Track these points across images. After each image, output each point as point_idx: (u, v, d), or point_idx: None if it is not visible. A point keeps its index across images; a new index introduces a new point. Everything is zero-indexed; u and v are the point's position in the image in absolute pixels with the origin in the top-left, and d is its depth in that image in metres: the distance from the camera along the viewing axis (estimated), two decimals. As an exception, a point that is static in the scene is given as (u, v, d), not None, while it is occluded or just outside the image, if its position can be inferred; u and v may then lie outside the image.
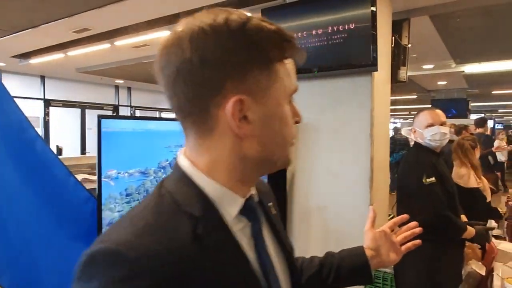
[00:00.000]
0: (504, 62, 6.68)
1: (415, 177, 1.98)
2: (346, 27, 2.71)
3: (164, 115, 12.20)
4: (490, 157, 5.33)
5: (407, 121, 24.06)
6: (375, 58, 2.63)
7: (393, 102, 12.39)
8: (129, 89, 11.92)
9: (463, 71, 7.23)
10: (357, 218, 2.89)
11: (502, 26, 4.66)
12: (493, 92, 11.03)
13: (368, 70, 2.72)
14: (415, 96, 11.63)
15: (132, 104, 11.99)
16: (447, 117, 7.71)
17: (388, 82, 3.19)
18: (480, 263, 2.40)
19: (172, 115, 0.68)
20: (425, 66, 7.15)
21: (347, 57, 2.77)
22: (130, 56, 6.58)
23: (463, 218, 2.18)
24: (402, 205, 2.13)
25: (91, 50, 5.75)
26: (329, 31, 2.78)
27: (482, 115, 12.97)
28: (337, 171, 3.00)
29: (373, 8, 2.60)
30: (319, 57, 2.90)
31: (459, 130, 5.55)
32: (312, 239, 3.15)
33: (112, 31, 4.94)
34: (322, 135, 3.06)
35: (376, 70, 2.68)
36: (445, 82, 9.25)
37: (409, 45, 3.31)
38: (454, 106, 9.88)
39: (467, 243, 2.48)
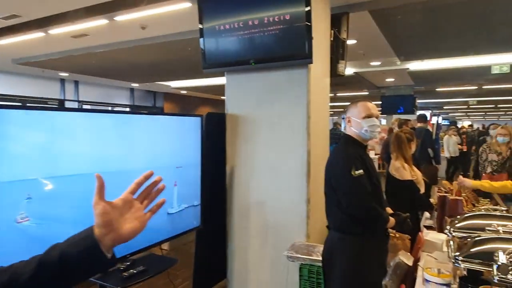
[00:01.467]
0: (446, 59, 7.01)
1: (344, 169, 1.96)
2: (282, 18, 2.66)
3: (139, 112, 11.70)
4: (430, 150, 5.56)
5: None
6: (310, 51, 2.60)
7: (345, 99, 12.73)
8: (76, 82, 11.28)
9: (408, 68, 7.51)
10: (295, 212, 2.86)
11: (442, 24, 4.84)
12: (437, 89, 11.61)
13: (303, 62, 2.69)
14: (367, 93, 11.99)
15: (80, 99, 11.37)
16: (396, 113, 7.97)
17: (327, 75, 3.18)
18: (408, 253, 2.44)
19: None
20: (372, 63, 7.35)
21: (283, 49, 2.72)
22: (71, 47, 6.19)
23: (389, 210, 2.20)
24: (329, 197, 2.11)
25: (24, 39, 5.33)
26: (265, 21, 2.71)
27: (429, 111, 13.64)
28: (275, 165, 2.96)
29: (307, -1, 2.56)
30: (256, 49, 2.83)
31: (400, 124, 5.75)
32: (252, 234, 3.09)
33: (45, 18, 4.60)
34: (260, 129, 3.00)
35: (311, 63, 2.65)
36: (393, 79, 9.58)
37: (347, 39, 3.32)
38: (401, 103, 10.27)
39: (398, 234, 2.52)
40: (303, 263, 2.52)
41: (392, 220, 2.04)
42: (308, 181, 2.81)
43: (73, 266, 0.72)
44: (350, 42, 5.45)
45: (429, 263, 1.98)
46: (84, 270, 0.74)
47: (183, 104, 14.80)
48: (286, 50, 2.71)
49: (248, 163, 3.08)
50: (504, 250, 1.31)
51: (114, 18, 4.40)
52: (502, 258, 1.26)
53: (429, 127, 6.78)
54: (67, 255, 0.72)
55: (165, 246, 4.70)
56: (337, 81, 8.88)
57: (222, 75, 3.19)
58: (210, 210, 2.97)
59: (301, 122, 2.81)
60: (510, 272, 1.22)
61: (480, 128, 13.33)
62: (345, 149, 2.09)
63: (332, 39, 3.18)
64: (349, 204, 1.99)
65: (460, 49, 6.13)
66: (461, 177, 3.25)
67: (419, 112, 8.82)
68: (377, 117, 2.08)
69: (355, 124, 2.09)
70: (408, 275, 2.28)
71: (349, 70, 7.90)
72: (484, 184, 2.96)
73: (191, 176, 2.66)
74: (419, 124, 6.11)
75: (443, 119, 24.44)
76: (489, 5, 4.09)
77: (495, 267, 1.25)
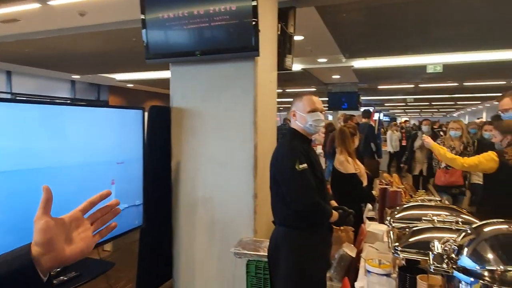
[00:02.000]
0: (387, 58, 7.36)
1: (289, 163, 1.95)
2: (228, 8, 2.58)
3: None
4: (372, 145, 5.83)
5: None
6: (257, 43, 2.56)
7: (294, 95, 12.99)
8: (8, 73, 10.33)
9: (353, 66, 7.79)
10: (242, 208, 2.82)
11: (383, 23, 5.06)
12: (379, 87, 12.24)
13: (250, 55, 2.64)
14: (314, 89, 12.31)
15: (13, 91, 10.42)
16: (341, 109, 8.25)
17: (274, 69, 3.17)
18: (352, 245, 2.51)
19: None
20: (319, 60, 7.52)
21: (230, 41, 2.65)
22: (0, 33, 5.62)
23: (333, 203, 2.24)
24: (274, 191, 2.09)
25: None
26: (211, 11, 2.62)
27: (372, 108, 14.35)
28: (223, 160, 2.89)
29: (253, -10, 2.51)
30: (202, 40, 2.73)
31: (345, 119, 5.96)
32: (199, 231, 3.01)
33: (-35, -1, 4.11)
34: (207, 122, 2.91)
35: (258, 55, 2.61)
36: (338, 76, 9.91)
37: (294, 34, 3.32)
38: (346, 99, 10.68)
39: (342, 227, 2.57)
40: (250, 259, 2.49)
41: (335, 214, 2.06)
42: (255, 175, 2.78)
43: (6, 285, 0.62)
44: (297, 38, 5.53)
45: (371, 254, 2.03)
46: None
47: (130, 98, 14.17)
48: (233, 42, 2.64)
49: (194, 158, 2.98)
50: (439, 239, 1.36)
51: (48, 3, 4.05)
52: (437, 247, 1.30)
53: (372, 123, 7.12)
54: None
55: (108, 247, 4.45)
56: (286, 76, 9.02)
57: (167, 67, 3.05)
58: (155, 208, 2.84)
59: (249, 116, 2.77)
60: (445, 261, 1.27)
61: (417, 124, 14.29)
62: (290, 143, 2.07)
63: (279, 33, 3.16)
64: (293, 199, 1.98)
65: (399, 48, 6.46)
66: (424, 136, 3.56)
67: (363, 109, 9.24)
68: (321, 112, 2.09)
69: (300, 118, 2.08)
70: (352, 266, 2.33)
71: (297, 66, 8.03)
72: (440, 150, 3.09)
73: (133, 172, 2.51)
74: (363, 120, 6.38)
75: (384, 115, 25.90)
76: (423, 6, 4.31)
77: (431, 256, 1.29)
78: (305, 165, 1.95)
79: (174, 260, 3.12)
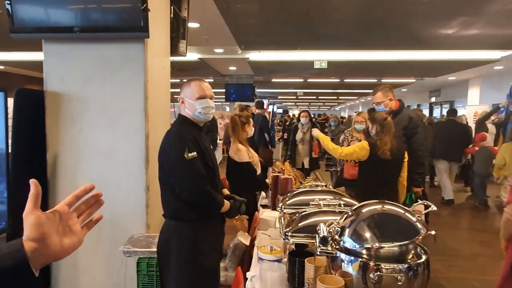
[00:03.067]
0: (279, 52, 7.70)
1: (177, 152, 1.86)
2: (113, -18, 2.33)
3: None
4: (266, 135, 6.07)
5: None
6: (146, 23, 2.36)
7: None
8: None
9: (248, 58, 7.95)
10: (133, 202, 2.62)
11: (274, 17, 5.23)
12: (273, 80, 12.80)
13: (139, 36, 2.43)
14: (212, 80, 12.27)
15: None
16: (237, 100, 8.35)
17: (167, 54, 3.00)
18: (246, 233, 2.54)
19: None
20: (216, 50, 7.47)
21: (116, 19, 2.40)
22: None
23: (225, 191, 2.23)
24: (163, 182, 1.98)
25: None
26: (93, -16, 2.33)
27: (266, 100, 14.97)
28: (109, 151, 2.63)
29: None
30: (83, 15, 2.42)
31: (241, 109, 6.06)
32: (81, 231, 2.69)
33: None
34: (89, 109, 2.61)
35: (147, 37, 2.42)
36: (235, 68, 10.04)
37: (188, 19, 3.19)
38: (243, 91, 10.91)
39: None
40: (141, 256, 2.32)
41: (227, 203, 2.04)
42: (147, 167, 2.60)
43: None
44: (193, 25, 5.38)
45: (263, 241, 2.07)
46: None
47: (2, 82, 12.09)
48: (120, 21, 2.40)
49: (75, 149, 2.65)
50: (325, 222, 1.43)
51: None
52: (323, 230, 1.37)
53: (266, 114, 7.39)
54: None
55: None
56: (182, 66, 8.75)
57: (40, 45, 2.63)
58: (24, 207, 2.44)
59: (138, 103, 2.56)
60: (330, 243, 1.34)
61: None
62: (178, 131, 1.97)
63: (172, 16, 3.00)
64: (182, 189, 1.90)
65: (290, 43, 6.80)
66: (314, 129, 3.75)
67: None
68: (211, 98, 2.03)
69: (188, 105, 1.99)
70: (247, 254, 2.36)
71: (194, 56, 7.85)
72: (325, 140, 3.28)
73: (-7, 167, 2.11)
74: (257, 111, 6.56)
75: (278, 107, 27.34)
76: (309, 2, 4.56)
77: (317, 239, 1.35)
78: (194, 153, 1.88)
79: (52, 268, 2.74)
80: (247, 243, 2.36)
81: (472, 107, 11.03)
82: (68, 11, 2.38)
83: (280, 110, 28.11)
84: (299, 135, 5.89)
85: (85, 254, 2.68)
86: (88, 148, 2.63)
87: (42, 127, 2.64)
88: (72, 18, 2.40)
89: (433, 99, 15.77)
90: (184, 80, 2.18)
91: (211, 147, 2.20)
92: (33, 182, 0.67)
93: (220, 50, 7.52)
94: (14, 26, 2.44)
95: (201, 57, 8.04)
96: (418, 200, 3.46)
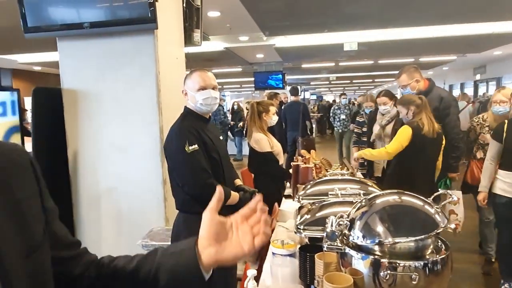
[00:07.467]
0: (306, 36, 7.43)
1: (178, 145, 1.81)
2: (119, -27, 2.28)
3: None
4: (307, 123, 5.86)
5: (234, 93, 25.58)
6: (154, 14, 2.30)
7: (220, 75, 12.73)
8: None
9: (274, 45, 7.76)
10: (151, 195, 2.62)
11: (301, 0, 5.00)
12: (303, 66, 12.49)
13: (147, 27, 2.38)
14: (240, 69, 12.18)
15: None
16: (267, 88, 8.17)
17: (181, 44, 2.93)
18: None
19: None
20: (241, 38, 7.35)
21: (124, 11, 2.36)
22: None
23: (237, 182, 2.14)
24: (171, 176, 1.94)
25: None
26: (99, -23, 2.30)
27: (299, 86, 14.69)
28: (126, 145, 2.63)
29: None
30: (92, 11, 2.40)
31: (270, 97, 5.89)
32: (104, 225, 2.74)
33: None
34: (104, 104, 2.61)
35: (156, 28, 2.36)
36: (262, 55, 9.86)
37: (202, 7, 3.10)
38: (272, 78, 10.74)
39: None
40: (159, 250, 2.31)
41: (235, 195, 1.96)
42: (163, 160, 2.57)
43: (163, 283, 0.65)
44: (213, 14, 5.29)
45: (279, 234, 1.97)
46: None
47: (39, 83, 12.72)
48: (127, 13, 2.36)
49: (93, 145, 2.67)
50: (335, 215, 1.31)
51: None
52: (332, 223, 1.24)
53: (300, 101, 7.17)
54: (160, 267, 0.66)
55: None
56: (208, 56, 8.68)
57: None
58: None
59: (151, 96, 2.53)
60: (339, 238, 1.21)
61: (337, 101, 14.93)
62: (179, 125, 1.93)
63: (184, 5, 2.92)
64: (184, 182, 1.87)
65: (316, 25, 6.52)
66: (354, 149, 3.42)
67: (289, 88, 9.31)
68: (214, 89, 1.94)
69: (190, 97, 1.94)
70: (264, 248, 2.27)
71: (220, 45, 7.78)
72: (366, 152, 3.10)
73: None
74: (292, 98, 6.32)
75: (311, 94, 26.84)
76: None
77: (325, 233, 1.23)
78: (195, 146, 1.82)
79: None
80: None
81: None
82: (75, 7, 2.37)
83: (314, 97, 27.55)
84: (375, 129, 3.89)
85: (107, 246, 2.73)
86: (105, 143, 2.64)
87: (61, 124, 2.68)
88: (81, 14, 2.39)
89: (477, 77, 14.71)
90: (214, 71, 2.12)
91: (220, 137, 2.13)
92: (219, 190, 0.73)
93: (245, 38, 7.39)
94: (27, 27, 2.47)
95: (227, 46, 7.94)
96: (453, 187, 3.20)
